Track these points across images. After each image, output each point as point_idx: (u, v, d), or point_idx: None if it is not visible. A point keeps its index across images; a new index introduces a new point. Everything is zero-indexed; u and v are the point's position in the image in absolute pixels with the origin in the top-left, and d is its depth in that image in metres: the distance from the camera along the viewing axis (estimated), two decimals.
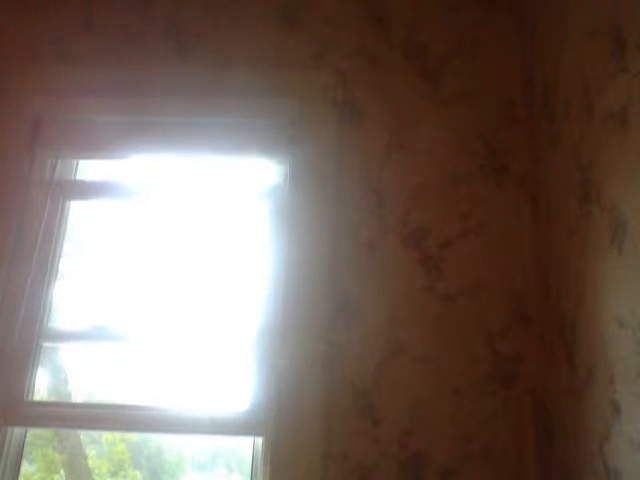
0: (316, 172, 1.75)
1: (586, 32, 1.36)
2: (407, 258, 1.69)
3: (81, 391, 1.87)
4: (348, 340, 1.62)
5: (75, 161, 1.90)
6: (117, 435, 1.86)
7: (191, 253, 1.83)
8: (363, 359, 1.61)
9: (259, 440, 1.62)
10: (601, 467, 1.24)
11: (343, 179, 1.75)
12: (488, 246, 1.69)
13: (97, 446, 1.90)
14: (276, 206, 1.79)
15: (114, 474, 1.82)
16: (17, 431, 1.66)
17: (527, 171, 1.74)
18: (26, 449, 1.69)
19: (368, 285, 1.67)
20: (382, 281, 1.67)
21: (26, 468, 1.74)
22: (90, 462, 1.84)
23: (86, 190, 1.87)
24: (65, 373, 1.86)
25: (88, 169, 1.93)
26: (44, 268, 1.75)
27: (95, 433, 1.86)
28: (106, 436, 1.87)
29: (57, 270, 1.79)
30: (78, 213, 1.89)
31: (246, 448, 1.70)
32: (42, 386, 1.79)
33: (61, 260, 1.80)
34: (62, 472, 1.85)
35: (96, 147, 1.87)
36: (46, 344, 1.73)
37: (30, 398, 1.68)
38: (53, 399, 1.84)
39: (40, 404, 1.72)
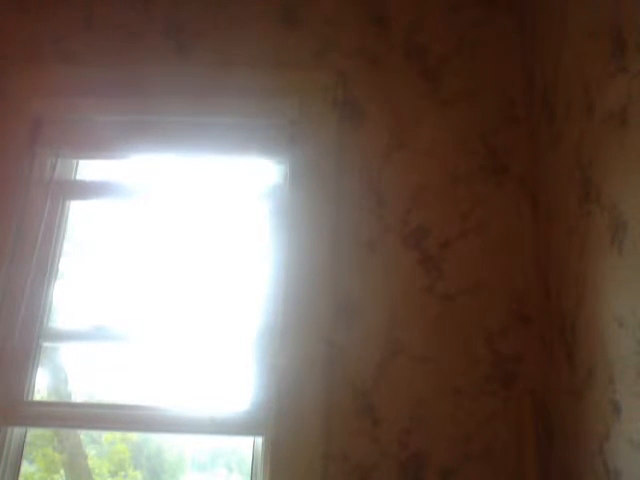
0: (316, 172, 1.75)
1: (586, 32, 1.36)
2: (407, 258, 1.69)
3: (81, 391, 1.87)
4: (348, 340, 1.62)
5: (75, 161, 1.91)
6: (117, 435, 1.86)
7: (191, 253, 1.83)
8: (363, 359, 1.61)
9: (259, 440, 1.63)
10: (601, 467, 1.24)
11: (343, 179, 1.75)
12: (488, 246, 1.69)
13: (97, 446, 1.90)
14: (276, 206, 1.79)
15: (114, 474, 1.82)
16: (17, 431, 1.66)
17: (527, 171, 1.74)
18: (26, 449, 1.69)
19: (368, 285, 1.67)
20: (382, 281, 1.67)
21: (26, 468, 1.74)
22: (90, 462, 1.84)
23: (86, 190, 1.87)
24: (65, 373, 1.85)
25: (88, 169, 1.93)
26: (44, 268, 1.75)
27: (95, 433, 1.86)
28: (106, 436, 1.87)
29: (57, 270, 1.79)
30: (78, 213, 1.89)
31: (246, 448, 1.70)
32: (42, 386, 1.78)
33: (61, 260, 1.81)
34: (62, 472, 1.85)
35: (96, 147, 1.87)
36: (46, 344, 1.73)
37: (30, 398, 1.68)
38: (53, 399, 1.83)
39: (40, 404, 1.72)
